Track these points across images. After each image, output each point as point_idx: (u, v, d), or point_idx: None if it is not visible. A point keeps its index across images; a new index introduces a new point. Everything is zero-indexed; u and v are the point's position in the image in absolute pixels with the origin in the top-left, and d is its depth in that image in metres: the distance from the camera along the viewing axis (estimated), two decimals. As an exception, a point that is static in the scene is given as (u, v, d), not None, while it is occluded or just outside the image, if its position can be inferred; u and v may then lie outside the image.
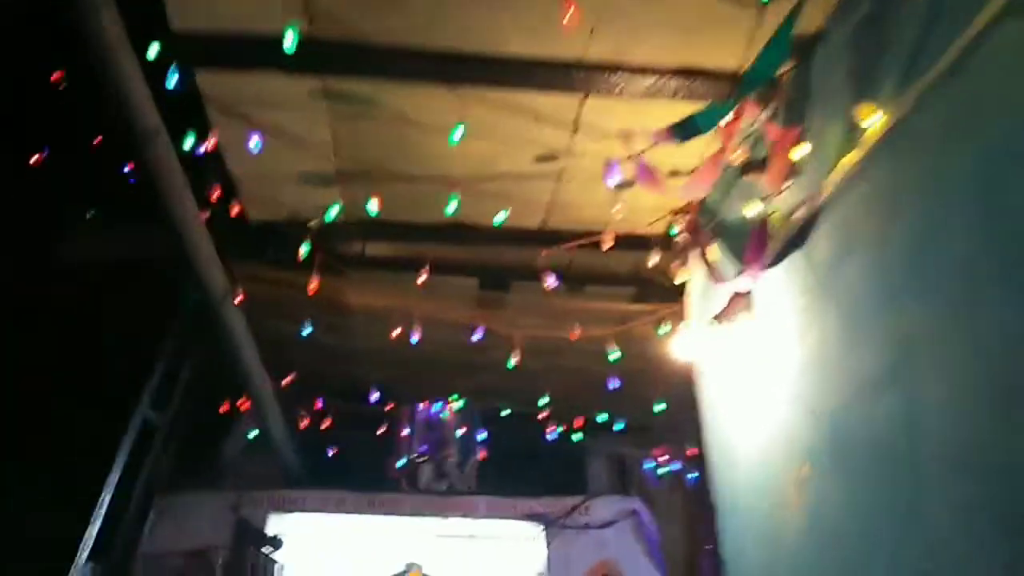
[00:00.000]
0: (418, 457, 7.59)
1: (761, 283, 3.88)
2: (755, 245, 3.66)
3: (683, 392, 6.75)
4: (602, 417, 7.56)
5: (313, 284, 4.64)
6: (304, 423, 6.99)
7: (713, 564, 8.48)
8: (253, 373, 5.47)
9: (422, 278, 4.97)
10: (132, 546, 6.22)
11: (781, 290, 3.74)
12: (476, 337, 5.54)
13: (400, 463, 7.55)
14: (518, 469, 7.85)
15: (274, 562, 6.76)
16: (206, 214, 4.61)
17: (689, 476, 8.48)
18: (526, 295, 5.62)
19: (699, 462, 8.86)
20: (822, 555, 3.33)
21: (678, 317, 5.37)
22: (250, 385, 5.62)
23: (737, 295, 4.02)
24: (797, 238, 3.55)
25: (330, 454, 7.34)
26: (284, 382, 5.85)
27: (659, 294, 5.57)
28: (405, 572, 7.83)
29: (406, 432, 7.69)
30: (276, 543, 6.80)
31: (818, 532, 3.38)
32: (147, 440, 6.14)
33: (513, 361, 5.27)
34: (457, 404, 7.76)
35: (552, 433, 7.55)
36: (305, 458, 7.45)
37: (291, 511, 7.09)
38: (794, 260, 3.62)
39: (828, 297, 3.38)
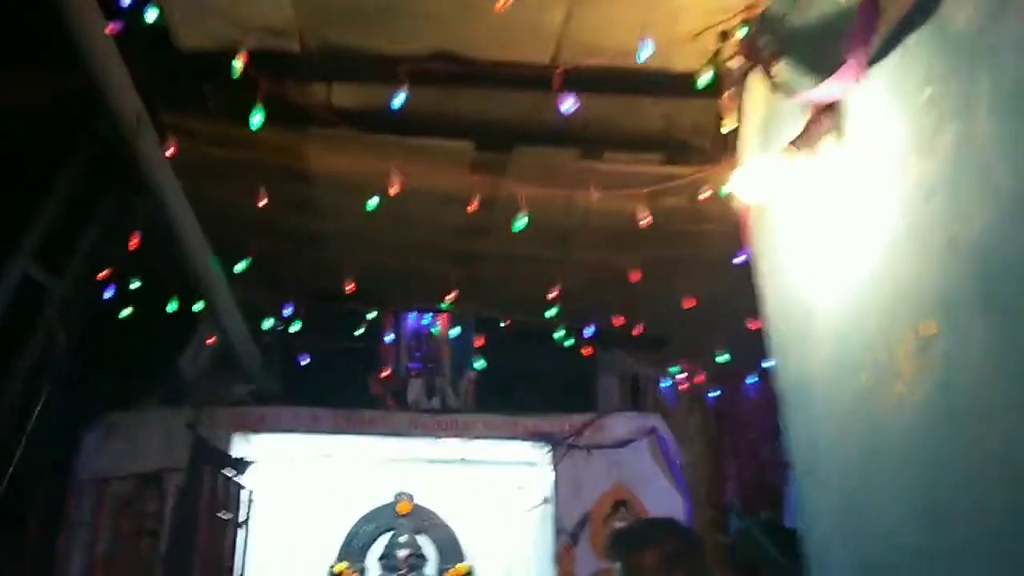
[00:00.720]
0: (407, 372, 6.64)
1: (856, 89, 2.84)
2: (863, 23, 2.62)
3: (713, 293, 5.81)
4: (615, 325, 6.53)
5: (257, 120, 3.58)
6: (271, 328, 6.01)
7: (739, 491, 7.69)
8: (194, 251, 4.45)
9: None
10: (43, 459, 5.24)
11: (889, 90, 2.70)
12: (472, 208, 4.52)
13: (384, 375, 6.59)
14: (519, 388, 6.93)
15: (240, 487, 5.85)
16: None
17: (710, 395, 7.58)
18: (532, 160, 4.58)
19: (721, 381, 8.00)
20: (956, 443, 2.36)
21: (720, 181, 4.35)
22: (194, 269, 4.61)
23: (820, 113, 2.99)
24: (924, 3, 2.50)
25: (303, 364, 6.37)
26: (237, 266, 4.82)
27: (696, 158, 4.54)
28: (394, 503, 6.95)
29: (391, 342, 6.71)
30: (241, 465, 5.89)
31: (947, 413, 2.40)
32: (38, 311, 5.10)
33: (521, 222, 4.27)
34: (451, 315, 6.78)
35: (559, 341, 6.60)
36: (274, 373, 6.49)
37: (259, 431, 6.16)
38: (915, 41, 2.58)
39: (975, 78, 2.33)
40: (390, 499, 6.99)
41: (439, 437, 6.31)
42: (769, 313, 3.65)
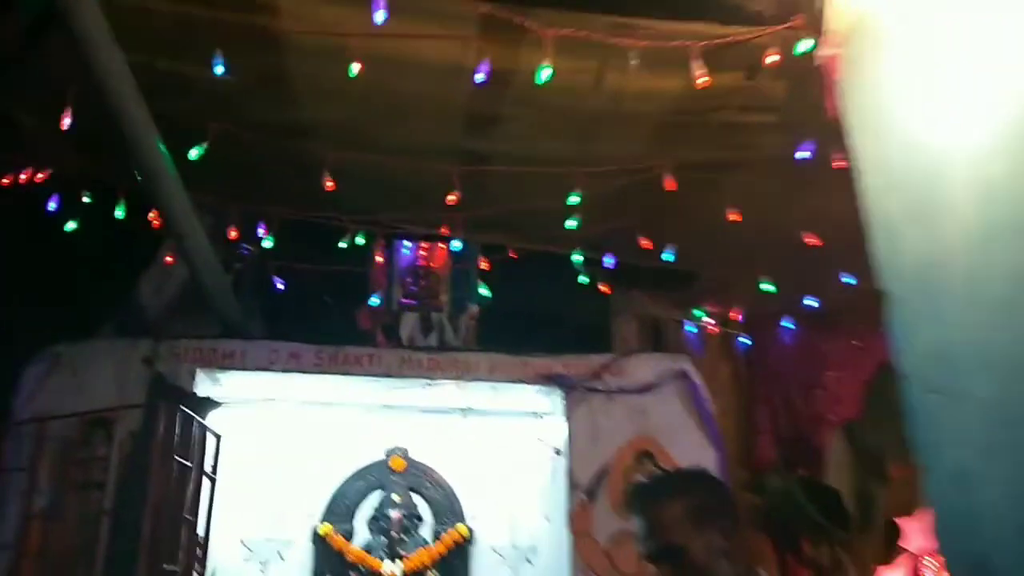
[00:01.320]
0: (400, 304, 5.80)
1: None
2: None
3: (758, 210, 4.93)
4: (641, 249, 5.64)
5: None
6: (239, 245, 5.15)
7: (773, 447, 6.90)
8: (136, 128, 3.58)
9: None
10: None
11: None
12: (480, 77, 3.65)
13: (374, 307, 5.75)
14: (526, 328, 6.08)
15: (205, 429, 5.03)
16: None
17: (741, 341, 6.76)
18: (556, 23, 3.69)
19: (754, 325, 7.18)
20: None
21: (787, 44, 3.49)
22: (139, 156, 3.74)
23: None
24: None
25: (279, 291, 5.52)
26: (192, 152, 3.95)
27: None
28: (386, 459, 6.14)
29: (382, 268, 5.85)
30: (206, 406, 5.06)
31: None
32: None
33: (545, 71, 3.41)
34: (451, 238, 5.92)
35: (574, 271, 5.76)
36: (247, 302, 5.65)
37: (228, 369, 5.32)
38: None
39: None
40: (381, 455, 6.18)
41: (435, 379, 5.47)
42: (871, 187, 2.79)
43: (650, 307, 6.82)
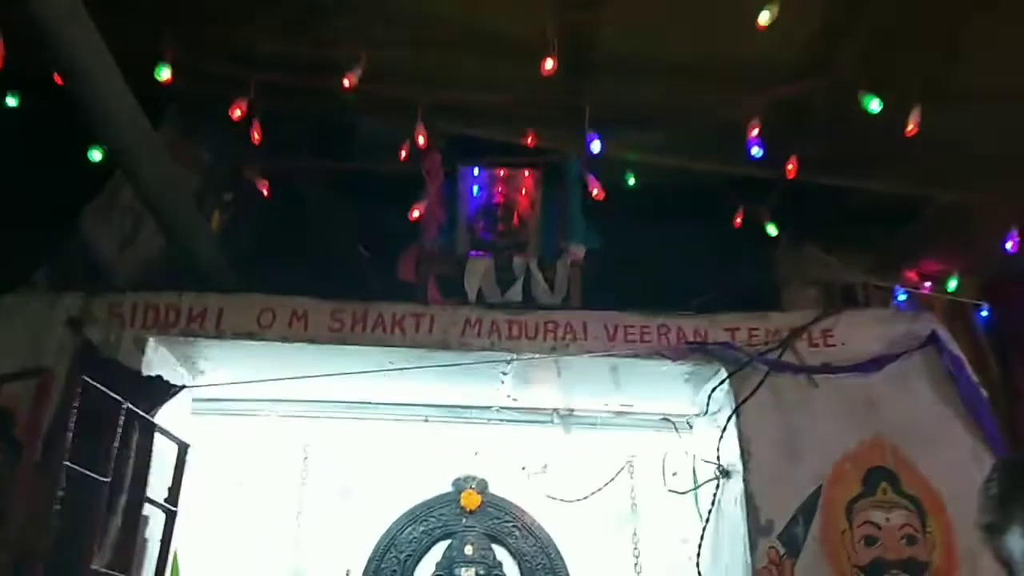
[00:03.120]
0: (466, 243, 3.80)
1: None
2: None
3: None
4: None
5: None
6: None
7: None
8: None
9: None
10: None
11: None
12: None
13: (426, 248, 3.74)
14: (654, 286, 3.93)
15: (153, 431, 3.11)
16: None
17: (981, 312, 4.39)
18: None
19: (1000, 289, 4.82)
20: None
21: None
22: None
23: None
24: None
25: (281, 221, 3.61)
26: None
27: None
28: (454, 493, 4.07)
29: (435, 196, 3.84)
30: (158, 391, 3.15)
31: None
32: None
33: None
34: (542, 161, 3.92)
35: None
36: (233, 247, 3.76)
37: (195, 335, 3.39)
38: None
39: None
40: (447, 487, 4.12)
41: (522, 357, 3.39)
42: None
43: (836, 268, 4.55)
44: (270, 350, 3.41)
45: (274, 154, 3.60)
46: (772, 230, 4.15)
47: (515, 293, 3.68)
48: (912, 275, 4.55)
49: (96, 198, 3.74)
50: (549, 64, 3.01)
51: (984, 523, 1.49)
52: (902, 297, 4.35)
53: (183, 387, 3.29)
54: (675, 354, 3.39)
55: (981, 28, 2.90)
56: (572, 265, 3.77)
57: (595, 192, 3.67)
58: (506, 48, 3.33)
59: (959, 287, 4.36)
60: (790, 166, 3.63)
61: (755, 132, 3.25)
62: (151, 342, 3.35)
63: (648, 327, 3.44)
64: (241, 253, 3.82)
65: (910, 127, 3.07)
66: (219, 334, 3.39)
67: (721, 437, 3.32)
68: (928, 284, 4.49)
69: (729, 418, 3.28)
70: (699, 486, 3.69)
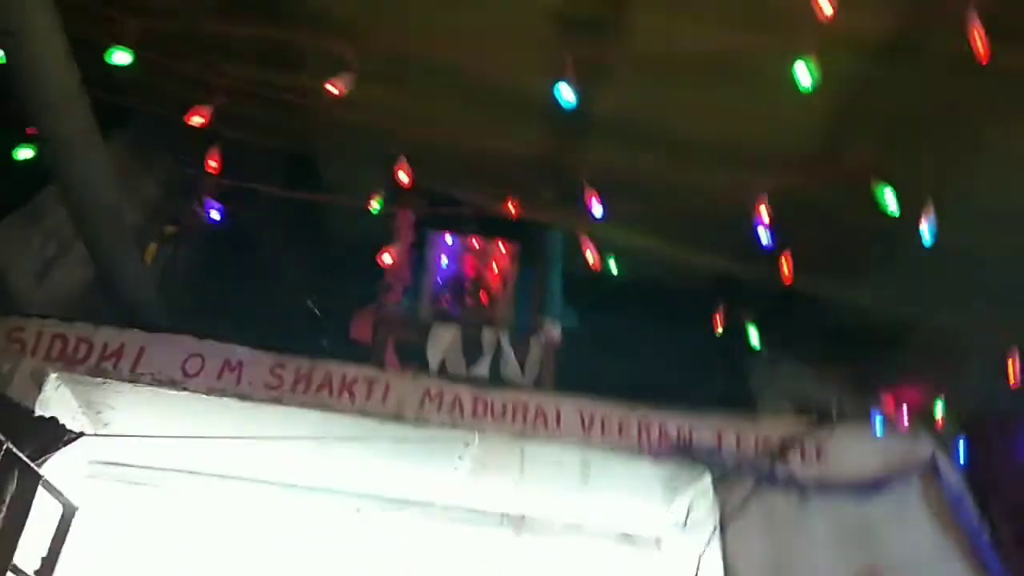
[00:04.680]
0: (433, 306, 3.42)
1: None
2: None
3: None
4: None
5: None
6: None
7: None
8: None
9: None
10: None
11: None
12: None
13: (385, 309, 3.34)
14: (628, 379, 3.59)
15: (37, 483, 2.55)
16: None
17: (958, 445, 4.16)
18: None
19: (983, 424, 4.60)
20: None
21: None
22: None
23: None
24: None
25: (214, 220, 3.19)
26: None
27: None
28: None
29: (403, 256, 3.48)
30: (47, 434, 2.62)
31: None
32: None
33: None
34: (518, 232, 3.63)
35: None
36: (168, 283, 3.31)
37: (106, 376, 2.89)
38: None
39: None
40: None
41: (485, 432, 2.97)
42: None
43: (813, 384, 4.31)
44: (192, 404, 2.91)
45: (232, 187, 3.22)
46: (755, 340, 3.88)
47: (482, 368, 3.29)
48: (891, 399, 4.33)
49: (11, 214, 3.27)
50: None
51: None
52: (879, 420, 4.10)
53: (81, 434, 2.75)
54: (656, 453, 3.02)
55: (1010, 136, 2.78)
56: (547, 345, 3.42)
57: (591, 259, 3.32)
58: (500, 102, 3.10)
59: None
60: (784, 265, 3.40)
61: (761, 214, 3.02)
62: (52, 378, 2.84)
63: (628, 420, 3.07)
64: (176, 291, 3.37)
65: (924, 231, 2.87)
66: (135, 377, 2.89)
67: (702, 555, 2.91)
68: (906, 410, 4.26)
69: (713, 533, 2.89)
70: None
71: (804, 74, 2.32)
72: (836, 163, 3.10)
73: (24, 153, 2.75)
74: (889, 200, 2.77)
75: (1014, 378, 3.48)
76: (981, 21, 2.19)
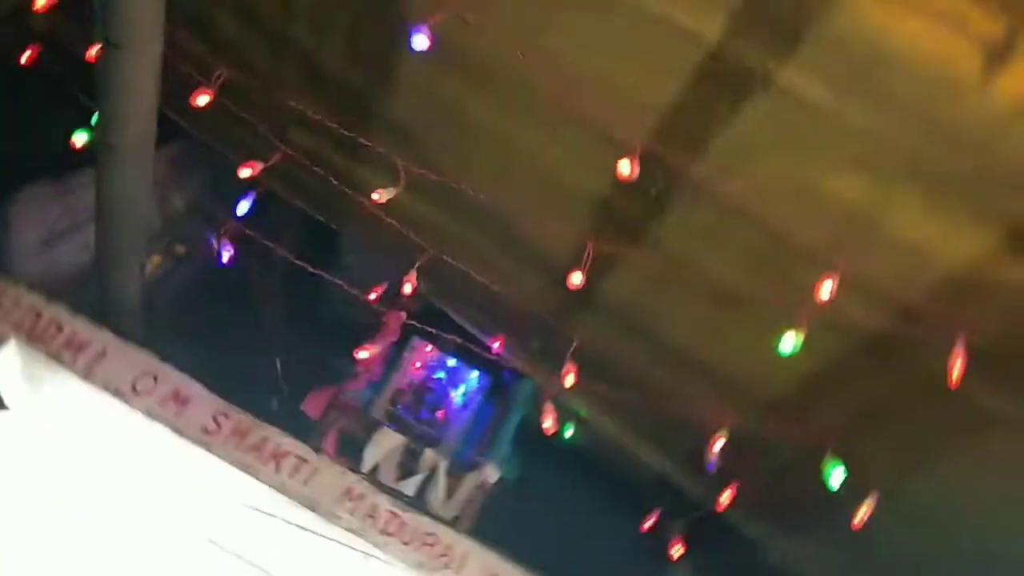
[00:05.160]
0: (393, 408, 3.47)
1: None
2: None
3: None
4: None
5: None
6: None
7: None
8: None
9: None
10: None
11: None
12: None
13: (345, 396, 3.40)
14: (546, 544, 3.58)
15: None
16: None
17: None
18: None
19: None
20: None
21: None
22: None
23: None
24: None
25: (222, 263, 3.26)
26: None
27: None
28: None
29: (383, 348, 3.57)
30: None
31: None
32: None
33: None
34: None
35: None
36: (158, 298, 3.39)
37: (61, 361, 2.92)
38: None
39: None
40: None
41: (386, 553, 2.96)
42: None
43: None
44: (126, 417, 2.93)
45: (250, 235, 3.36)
46: (676, 553, 3.88)
47: (410, 486, 3.31)
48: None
49: (40, 183, 3.40)
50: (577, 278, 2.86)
51: None
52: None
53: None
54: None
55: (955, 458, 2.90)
56: (480, 486, 3.45)
57: (548, 423, 3.39)
58: (522, 254, 3.27)
59: None
60: (725, 496, 3.46)
61: (717, 446, 3.11)
62: (10, 344, 2.88)
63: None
64: (160, 307, 3.45)
65: (858, 519, 2.95)
66: (87, 375, 2.93)
67: None
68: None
69: None
70: None
71: (789, 342, 2.47)
72: (803, 419, 3.21)
73: (81, 138, 2.91)
74: (835, 476, 2.86)
75: None
76: (967, 351, 2.35)
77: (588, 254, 2.73)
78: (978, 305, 2.35)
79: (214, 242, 3.57)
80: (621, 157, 2.45)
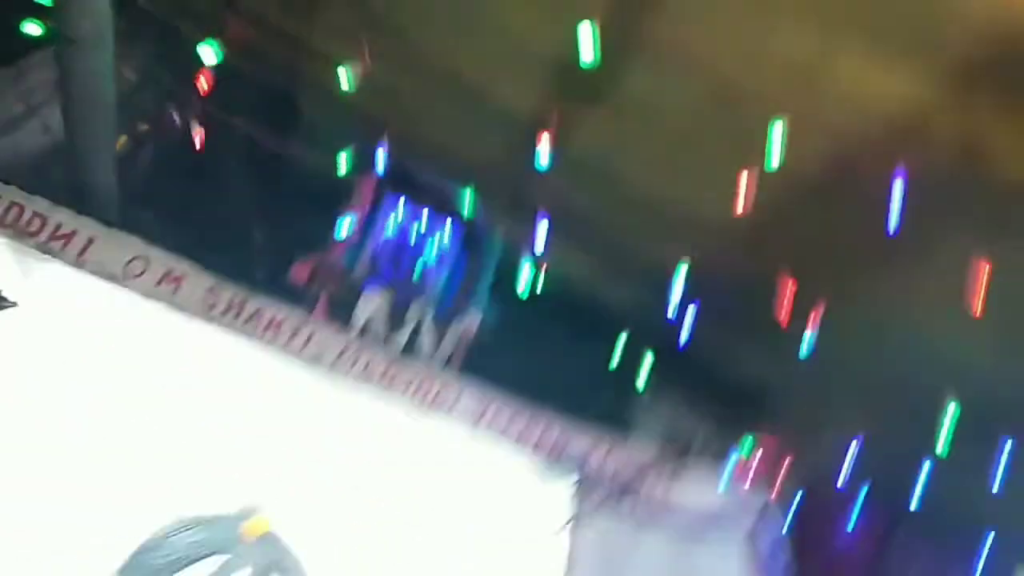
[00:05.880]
0: (370, 274, 3.66)
1: None
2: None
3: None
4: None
5: None
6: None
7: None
8: None
9: None
10: None
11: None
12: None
13: (326, 261, 3.58)
14: (527, 376, 3.92)
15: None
16: None
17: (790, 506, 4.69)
18: None
19: (818, 490, 5.12)
20: None
21: None
22: None
23: None
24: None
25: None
26: None
27: None
28: (237, 518, 3.70)
29: (360, 212, 3.72)
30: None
31: None
32: None
33: None
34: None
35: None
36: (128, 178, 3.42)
37: (53, 253, 3.01)
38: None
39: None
40: (232, 509, 3.74)
41: (391, 392, 3.26)
42: None
43: (684, 424, 4.75)
44: (128, 299, 3.07)
45: (214, 113, 3.36)
46: (643, 377, 4.24)
47: (400, 338, 3.55)
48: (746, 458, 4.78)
49: (-2, 67, 3.31)
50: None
51: None
52: (728, 469, 4.56)
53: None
54: (535, 446, 3.37)
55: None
56: (464, 332, 3.71)
57: (524, 266, 3.60)
58: (485, 113, 3.34)
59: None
60: (686, 325, 3.77)
61: (678, 277, 3.37)
62: (3, 244, 2.94)
63: (518, 415, 3.41)
64: (132, 187, 3.48)
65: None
66: (79, 264, 3.03)
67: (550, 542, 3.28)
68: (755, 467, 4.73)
69: (563, 527, 3.26)
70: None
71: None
72: (755, 251, 3.44)
73: (32, 28, 2.81)
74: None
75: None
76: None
77: (551, 111, 2.84)
78: (917, 142, 2.57)
79: (176, 117, 3.56)
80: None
